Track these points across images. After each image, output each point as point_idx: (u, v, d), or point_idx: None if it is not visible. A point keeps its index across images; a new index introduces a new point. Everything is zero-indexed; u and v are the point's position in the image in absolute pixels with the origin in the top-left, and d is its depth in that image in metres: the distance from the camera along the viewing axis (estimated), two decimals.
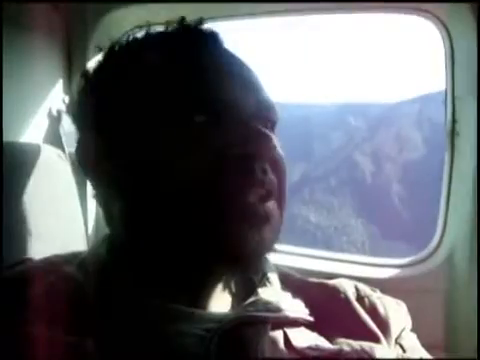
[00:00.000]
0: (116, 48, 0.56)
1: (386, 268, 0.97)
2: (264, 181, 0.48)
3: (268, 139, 0.48)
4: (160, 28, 0.56)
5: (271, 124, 0.54)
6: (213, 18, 0.96)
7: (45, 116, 0.98)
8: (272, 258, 0.95)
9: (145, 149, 0.49)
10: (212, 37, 0.55)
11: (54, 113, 0.99)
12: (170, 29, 0.55)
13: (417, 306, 0.88)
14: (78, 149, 0.56)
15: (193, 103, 0.49)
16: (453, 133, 0.89)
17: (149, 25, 0.57)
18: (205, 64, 0.51)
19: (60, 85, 1.03)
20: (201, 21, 0.56)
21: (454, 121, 0.88)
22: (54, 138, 0.97)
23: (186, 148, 0.48)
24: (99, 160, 0.53)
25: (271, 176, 0.50)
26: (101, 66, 0.56)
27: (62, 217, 0.82)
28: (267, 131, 0.49)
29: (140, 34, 0.56)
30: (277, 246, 0.50)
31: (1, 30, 0.70)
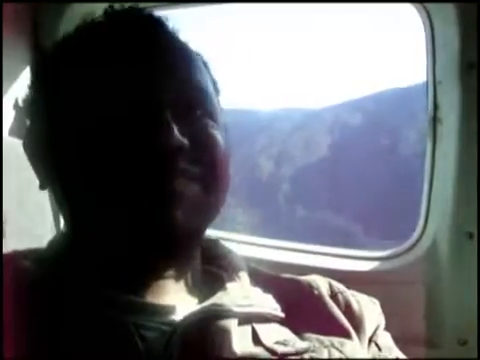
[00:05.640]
0: (63, 40, 0.56)
1: (367, 261, 0.95)
2: (174, 168, 0.48)
3: (166, 128, 0.47)
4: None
5: (201, 111, 0.52)
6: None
7: (11, 107, 0.97)
8: (248, 250, 0.94)
9: (86, 140, 0.49)
10: (140, 22, 0.53)
11: (21, 104, 0.96)
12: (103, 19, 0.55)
13: (398, 299, 0.87)
14: (27, 139, 0.57)
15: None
16: (435, 119, 0.86)
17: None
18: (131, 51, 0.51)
19: (27, 74, 1.00)
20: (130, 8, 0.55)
21: (436, 107, 0.86)
22: (20, 130, 0.94)
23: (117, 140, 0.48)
24: (46, 151, 0.53)
25: (189, 165, 0.49)
26: (51, 57, 0.56)
27: (29, 210, 0.82)
28: (169, 120, 0.48)
29: (85, 24, 0.55)
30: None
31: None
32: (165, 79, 0.50)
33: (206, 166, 0.50)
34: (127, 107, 0.48)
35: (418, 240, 0.92)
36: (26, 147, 0.57)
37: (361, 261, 0.96)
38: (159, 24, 0.54)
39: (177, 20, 0.57)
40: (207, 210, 0.52)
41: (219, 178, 0.52)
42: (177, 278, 0.53)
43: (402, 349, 0.62)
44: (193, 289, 0.55)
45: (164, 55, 0.52)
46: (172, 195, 0.47)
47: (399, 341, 0.62)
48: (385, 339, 0.61)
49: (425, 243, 0.91)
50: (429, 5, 0.85)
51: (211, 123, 0.53)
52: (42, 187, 0.56)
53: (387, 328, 0.64)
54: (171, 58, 0.52)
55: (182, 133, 0.48)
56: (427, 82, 0.88)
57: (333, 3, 1.06)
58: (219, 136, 0.53)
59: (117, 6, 0.55)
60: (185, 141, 0.48)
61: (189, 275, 0.55)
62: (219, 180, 0.52)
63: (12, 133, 0.94)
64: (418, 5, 0.86)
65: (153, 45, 0.51)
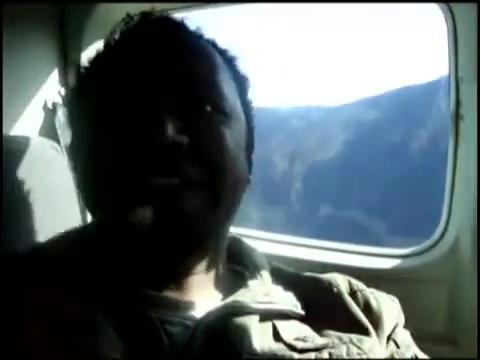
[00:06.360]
0: (98, 48, 0.58)
1: (389, 258, 0.95)
2: (170, 166, 0.48)
3: (158, 126, 0.48)
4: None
5: (210, 107, 0.52)
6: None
7: (40, 109, 0.99)
8: (269, 247, 0.94)
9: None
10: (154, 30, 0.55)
11: (49, 106, 0.99)
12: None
13: (420, 297, 0.87)
14: (70, 144, 0.59)
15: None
16: (457, 116, 0.85)
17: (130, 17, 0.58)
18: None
19: (55, 76, 1.03)
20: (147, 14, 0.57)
21: (458, 104, 0.85)
22: (49, 130, 0.97)
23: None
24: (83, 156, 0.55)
25: (191, 162, 0.49)
26: (87, 65, 0.59)
27: (58, 208, 0.82)
28: (160, 115, 0.48)
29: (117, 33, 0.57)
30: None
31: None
32: (166, 76, 0.51)
33: (210, 163, 0.50)
34: (134, 109, 0.50)
35: (440, 238, 0.91)
36: (69, 151, 0.61)
37: (383, 259, 0.95)
38: (170, 26, 0.56)
39: (198, 21, 0.58)
40: (213, 210, 0.51)
41: (223, 177, 0.51)
42: (202, 275, 0.55)
43: (423, 347, 0.62)
44: (217, 286, 0.57)
45: (169, 54, 0.52)
46: (171, 193, 0.48)
47: (420, 339, 0.63)
48: (404, 337, 0.61)
49: (447, 241, 0.90)
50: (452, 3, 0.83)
51: (222, 119, 0.53)
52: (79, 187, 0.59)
53: (408, 326, 0.64)
54: (177, 56, 0.53)
55: (183, 130, 0.48)
56: (449, 78, 0.87)
57: (354, 3, 1.05)
58: (229, 133, 0.53)
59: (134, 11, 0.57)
60: (183, 139, 0.48)
61: (214, 273, 0.56)
62: (224, 179, 0.51)
63: (41, 134, 0.97)
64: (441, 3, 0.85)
65: (159, 46, 0.52)
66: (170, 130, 0.47)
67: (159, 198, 0.47)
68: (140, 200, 0.47)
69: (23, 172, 0.74)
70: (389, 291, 0.66)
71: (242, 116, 0.58)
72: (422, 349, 0.62)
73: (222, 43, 0.59)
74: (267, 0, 0.94)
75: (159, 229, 0.48)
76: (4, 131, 0.89)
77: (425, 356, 0.61)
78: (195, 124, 0.50)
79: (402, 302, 0.65)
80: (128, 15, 0.57)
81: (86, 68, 0.58)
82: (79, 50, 1.03)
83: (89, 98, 0.54)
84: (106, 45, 0.57)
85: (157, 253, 0.51)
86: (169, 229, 0.48)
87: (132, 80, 0.51)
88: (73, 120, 0.59)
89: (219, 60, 0.57)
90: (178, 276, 0.53)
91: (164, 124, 0.47)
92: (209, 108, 0.52)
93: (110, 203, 0.50)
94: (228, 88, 0.56)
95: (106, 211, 0.51)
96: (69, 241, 0.57)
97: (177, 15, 0.58)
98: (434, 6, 0.86)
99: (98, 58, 0.57)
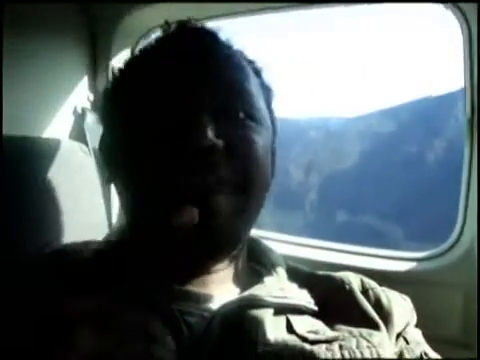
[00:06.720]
0: (133, 53, 0.61)
1: (405, 261, 0.95)
2: (206, 167, 0.50)
3: (199, 129, 0.50)
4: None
5: (243, 114, 0.55)
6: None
7: (70, 113, 1.02)
8: (287, 249, 0.95)
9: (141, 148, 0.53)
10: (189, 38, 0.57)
11: (79, 110, 1.02)
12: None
13: (436, 300, 0.87)
14: (100, 144, 0.63)
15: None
16: (472, 123, 0.85)
17: (167, 24, 0.61)
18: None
19: (85, 83, 1.06)
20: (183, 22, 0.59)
21: (473, 110, 0.85)
22: (79, 134, 1.01)
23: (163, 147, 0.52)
24: (113, 155, 0.59)
25: (225, 165, 0.51)
26: (121, 69, 0.62)
27: (83, 208, 0.85)
28: (202, 120, 0.50)
29: (151, 38, 0.61)
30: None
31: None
32: (206, 84, 0.53)
33: (242, 167, 0.53)
34: (174, 112, 0.52)
35: (456, 242, 0.91)
36: (100, 149, 0.63)
37: (398, 261, 0.96)
38: (207, 35, 0.58)
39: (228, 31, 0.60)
40: (243, 211, 0.54)
41: (254, 180, 0.54)
42: (223, 272, 0.57)
43: (438, 350, 0.62)
44: (236, 282, 0.59)
45: (208, 62, 0.55)
46: (206, 194, 0.50)
47: (435, 342, 0.63)
48: (414, 334, 0.62)
49: (463, 245, 0.89)
50: (464, 6, 0.84)
51: (253, 126, 0.55)
52: (108, 182, 0.62)
53: (423, 329, 0.65)
54: (215, 65, 0.55)
55: (219, 135, 0.51)
56: (464, 83, 0.86)
57: (371, 2, 1.06)
58: (259, 139, 0.55)
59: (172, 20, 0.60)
60: (219, 142, 0.50)
61: (234, 270, 0.59)
62: (254, 182, 0.54)
63: (71, 137, 1.01)
64: (453, 8, 0.85)
65: (199, 54, 0.55)
66: (209, 133, 0.50)
67: (194, 198, 0.50)
68: (177, 199, 0.50)
69: (52, 173, 0.78)
70: (404, 294, 0.66)
71: (269, 124, 0.61)
72: (437, 352, 0.62)
73: (249, 53, 0.62)
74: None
75: (193, 228, 0.50)
76: (35, 134, 0.92)
77: (435, 354, 0.62)
78: (230, 129, 0.53)
79: (417, 305, 0.66)
80: (166, 22, 0.60)
81: (123, 71, 0.61)
82: (108, 57, 1.06)
83: (126, 100, 0.57)
84: (146, 50, 0.59)
85: (187, 251, 0.53)
86: (202, 228, 0.50)
87: (173, 84, 0.54)
88: (107, 122, 0.62)
89: (249, 69, 0.60)
90: (201, 272, 0.56)
91: (204, 127, 0.50)
92: (242, 115, 0.55)
93: (151, 201, 0.52)
94: (258, 97, 0.58)
95: (146, 210, 0.54)
96: (93, 247, 0.61)
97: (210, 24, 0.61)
98: (450, 14, 0.86)
99: (137, 62, 0.60)
